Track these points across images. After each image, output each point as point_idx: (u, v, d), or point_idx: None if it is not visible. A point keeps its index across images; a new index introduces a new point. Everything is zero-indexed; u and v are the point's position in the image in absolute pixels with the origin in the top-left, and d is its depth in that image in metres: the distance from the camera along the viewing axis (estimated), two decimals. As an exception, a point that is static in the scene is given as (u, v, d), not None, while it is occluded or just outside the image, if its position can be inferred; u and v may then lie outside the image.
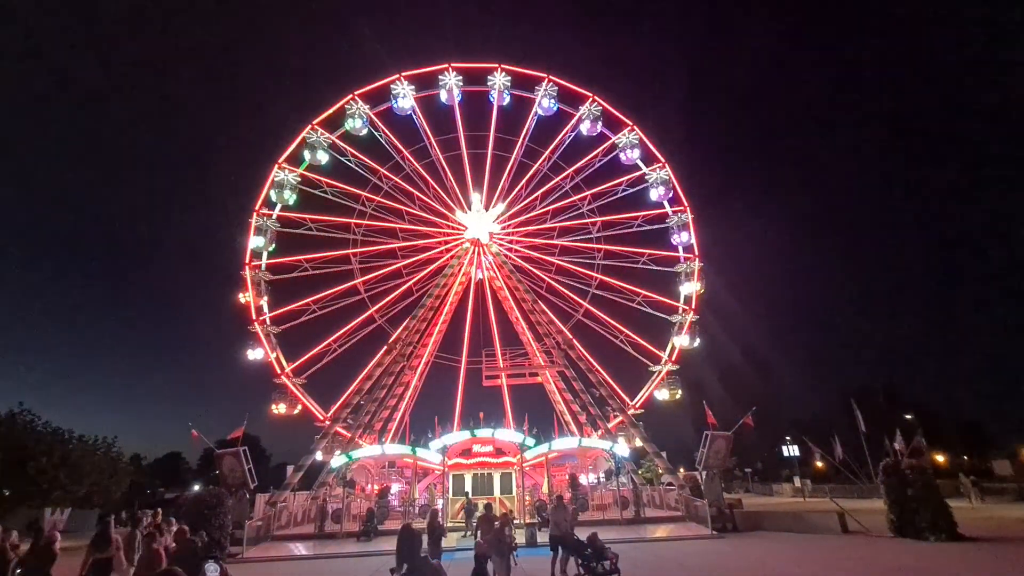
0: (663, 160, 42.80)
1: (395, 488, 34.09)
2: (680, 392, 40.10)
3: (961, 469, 51.77)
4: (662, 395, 40.03)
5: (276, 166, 40.31)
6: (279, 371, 37.75)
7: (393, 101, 42.51)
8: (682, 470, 44.11)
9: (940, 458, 56.94)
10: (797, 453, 61.23)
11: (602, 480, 36.27)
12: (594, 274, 43.23)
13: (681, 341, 40.31)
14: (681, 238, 41.87)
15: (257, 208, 39.59)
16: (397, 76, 42.39)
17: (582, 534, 13.32)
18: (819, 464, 59.28)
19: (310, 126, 41.19)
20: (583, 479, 34.80)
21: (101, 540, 11.25)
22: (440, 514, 17.44)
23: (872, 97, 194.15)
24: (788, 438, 62.13)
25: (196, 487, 62.34)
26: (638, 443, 37.81)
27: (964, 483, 37.29)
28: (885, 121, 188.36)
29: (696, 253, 41.52)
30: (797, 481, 56.77)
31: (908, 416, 50.76)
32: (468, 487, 30.39)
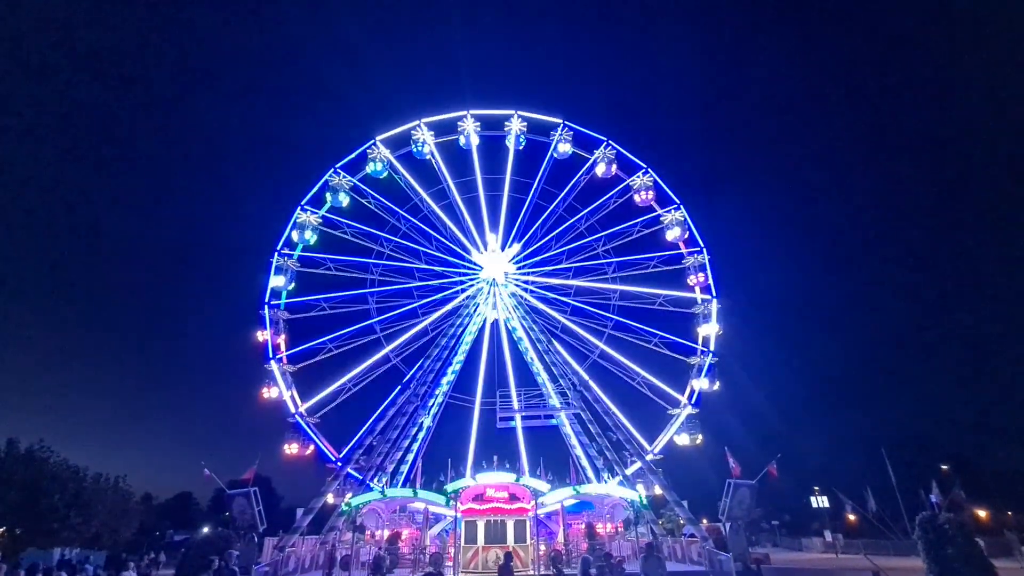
0: (678, 201, 43.13)
1: (405, 534, 33.09)
2: (700, 437, 38.81)
3: (1005, 525, 48.56)
4: (682, 440, 38.77)
5: (299, 208, 41.54)
6: (293, 410, 37.64)
7: (413, 146, 43.97)
8: (705, 521, 42.19)
9: (981, 513, 53.57)
10: (827, 505, 58.31)
11: (620, 530, 34.79)
12: (610, 315, 42.96)
13: (700, 383, 39.36)
14: (698, 278, 41.60)
15: (279, 248, 40.61)
16: (417, 122, 43.99)
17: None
18: (851, 517, 56.22)
19: (332, 170, 42.62)
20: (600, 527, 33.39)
21: None
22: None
23: (901, 133, 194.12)
24: (817, 488, 59.36)
25: (206, 529, 61.35)
26: (658, 491, 36.40)
27: (1009, 540, 34.93)
28: (913, 155, 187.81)
29: (714, 293, 41.13)
30: (828, 535, 53.81)
31: (944, 467, 48.29)
32: (480, 534, 29.33)
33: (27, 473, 38.67)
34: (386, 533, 32.58)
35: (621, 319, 42.71)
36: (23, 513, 37.41)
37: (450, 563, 27.90)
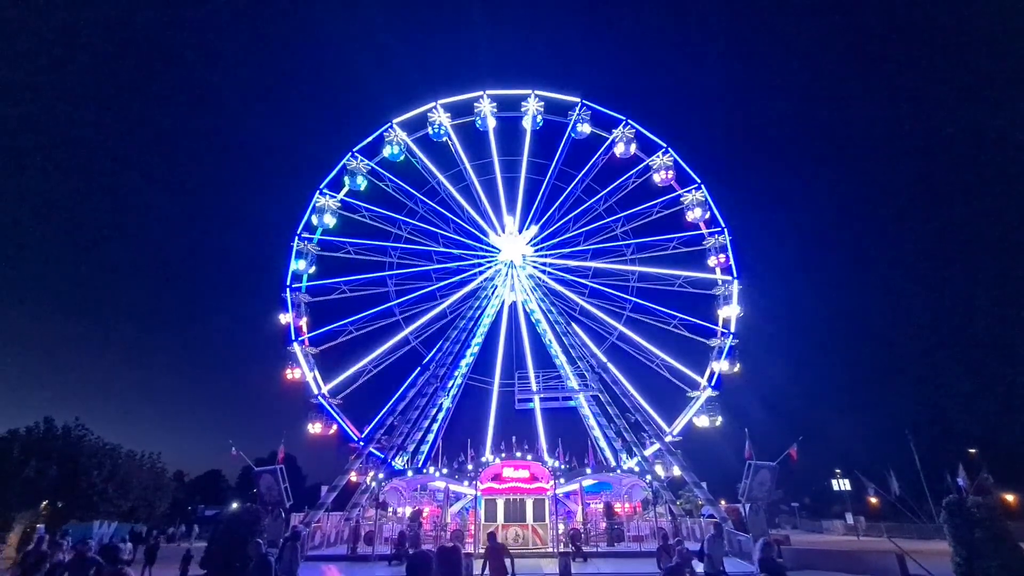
0: (699, 181, 42.24)
1: (426, 511, 33.79)
2: (720, 419, 38.59)
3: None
4: (701, 422, 38.62)
5: (318, 192, 41.84)
6: (316, 391, 38.43)
7: (430, 128, 43.72)
8: (724, 502, 42.11)
9: (1009, 497, 52.50)
10: (848, 487, 57.75)
11: (638, 510, 35.04)
12: (629, 296, 42.63)
13: (721, 366, 39.01)
14: (719, 259, 40.92)
15: (299, 232, 41.07)
16: (433, 104, 43.63)
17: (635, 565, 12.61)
18: (873, 500, 55.66)
19: (350, 153, 42.70)
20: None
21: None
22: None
23: (918, 112, 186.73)
24: (838, 471, 58.77)
25: (234, 504, 63.53)
26: (676, 472, 36.46)
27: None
28: (940, 144, 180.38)
29: (735, 274, 40.46)
30: (849, 518, 53.41)
31: (971, 450, 47.30)
32: (500, 513, 29.83)
33: (65, 450, 40.41)
34: (408, 510, 33.33)
35: (640, 301, 42.34)
36: (63, 488, 39.19)
37: (470, 540, 28.48)
